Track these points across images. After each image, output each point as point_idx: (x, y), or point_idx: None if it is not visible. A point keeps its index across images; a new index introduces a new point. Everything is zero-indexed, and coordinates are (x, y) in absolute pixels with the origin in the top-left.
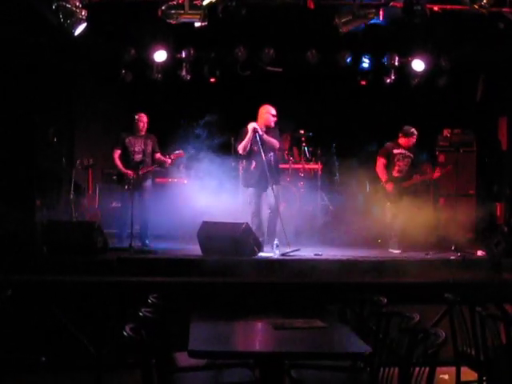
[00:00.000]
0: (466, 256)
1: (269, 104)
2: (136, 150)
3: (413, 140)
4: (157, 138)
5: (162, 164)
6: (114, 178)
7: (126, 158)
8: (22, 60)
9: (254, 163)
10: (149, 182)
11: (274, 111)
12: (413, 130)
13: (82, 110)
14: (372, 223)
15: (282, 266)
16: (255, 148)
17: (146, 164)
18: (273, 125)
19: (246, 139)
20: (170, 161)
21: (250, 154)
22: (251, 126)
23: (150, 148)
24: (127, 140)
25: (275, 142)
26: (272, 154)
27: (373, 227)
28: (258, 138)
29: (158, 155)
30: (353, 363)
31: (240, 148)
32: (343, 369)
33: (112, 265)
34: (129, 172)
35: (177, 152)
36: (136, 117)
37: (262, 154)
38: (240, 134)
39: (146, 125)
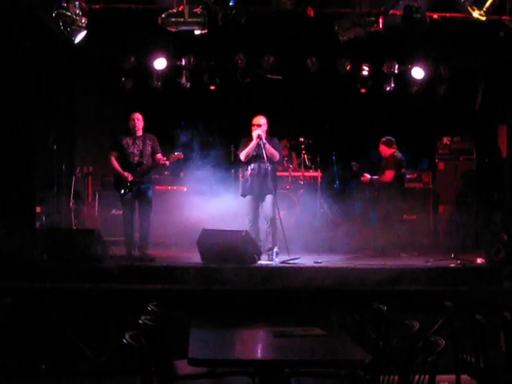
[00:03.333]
0: (465, 264)
1: (261, 114)
2: (133, 151)
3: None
4: (157, 138)
5: (159, 166)
6: (112, 180)
7: (124, 160)
8: (23, 67)
9: (249, 170)
10: (150, 193)
11: (257, 121)
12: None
13: (83, 118)
14: (372, 231)
15: (282, 273)
16: (253, 155)
17: (144, 166)
18: (258, 134)
19: (250, 146)
20: (168, 162)
21: (247, 162)
22: (256, 133)
23: (149, 149)
24: (124, 141)
25: (276, 154)
26: (269, 164)
27: (372, 235)
28: (261, 146)
29: (159, 156)
30: (353, 371)
31: (242, 155)
32: (343, 377)
33: (112, 272)
34: (127, 175)
35: (176, 153)
36: (130, 116)
37: (262, 161)
38: (242, 141)
39: (141, 123)
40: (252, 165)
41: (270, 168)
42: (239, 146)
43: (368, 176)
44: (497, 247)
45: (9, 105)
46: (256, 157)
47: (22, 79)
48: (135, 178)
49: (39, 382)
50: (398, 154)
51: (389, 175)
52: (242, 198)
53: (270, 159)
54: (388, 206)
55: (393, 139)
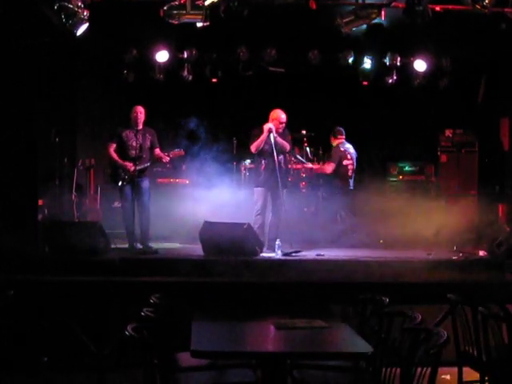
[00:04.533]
0: (468, 256)
1: (280, 108)
2: (133, 144)
3: None
4: (156, 132)
5: (159, 161)
6: (108, 171)
7: (122, 152)
8: (25, 60)
9: (263, 164)
10: (146, 184)
11: (283, 118)
12: None
13: (84, 111)
14: (374, 223)
15: (284, 266)
16: (266, 148)
17: (142, 160)
18: (270, 127)
19: (261, 139)
20: (168, 158)
21: (260, 155)
22: (267, 126)
23: (148, 143)
24: (124, 134)
25: (286, 145)
26: (282, 156)
27: (375, 227)
28: (271, 139)
29: (158, 151)
30: (355, 363)
31: (253, 147)
32: (345, 369)
33: (114, 265)
34: (127, 164)
35: (177, 150)
36: (132, 109)
37: (274, 155)
38: (253, 133)
39: (143, 117)
40: (266, 159)
41: (282, 161)
42: (250, 137)
43: (309, 165)
44: (499, 240)
45: (10, 98)
46: (269, 151)
47: (24, 73)
48: (134, 170)
49: (41, 375)
50: (343, 147)
51: (327, 167)
52: (244, 190)
53: (282, 151)
54: (331, 201)
55: (341, 129)
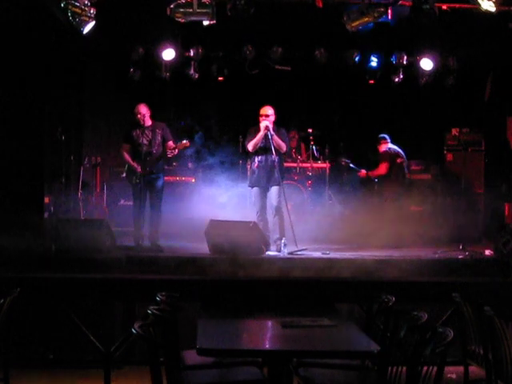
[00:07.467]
0: (473, 255)
1: (269, 105)
2: (143, 142)
3: None
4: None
5: (168, 154)
6: (123, 174)
7: (134, 151)
8: (32, 58)
9: (256, 162)
10: (160, 182)
11: (265, 111)
12: None
13: (91, 108)
14: (379, 222)
15: (290, 264)
16: (262, 147)
17: (153, 155)
18: (266, 125)
19: (258, 137)
20: (176, 151)
21: (254, 153)
22: (264, 124)
23: (159, 138)
24: (134, 133)
25: (283, 145)
26: (276, 156)
27: (380, 226)
28: (269, 137)
29: (170, 143)
30: (361, 362)
31: (250, 145)
32: (351, 367)
33: (120, 263)
34: (135, 165)
35: (183, 142)
36: (134, 110)
37: (270, 153)
38: (250, 131)
39: (147, 114)
40: (259, 156)
41: (276, 160)
42: (247, 136)
43: (364, 171)
44: (505, 239)
45: (18, 97)
46: (263, 149)
47: (31, 71)
48: (144, 168)
49: (48, 372)
50: (390, 149)
51: (381, 168)
52: (250, 189)
53: (277, 151)
54: (389, 198)
55: (383, 136)
